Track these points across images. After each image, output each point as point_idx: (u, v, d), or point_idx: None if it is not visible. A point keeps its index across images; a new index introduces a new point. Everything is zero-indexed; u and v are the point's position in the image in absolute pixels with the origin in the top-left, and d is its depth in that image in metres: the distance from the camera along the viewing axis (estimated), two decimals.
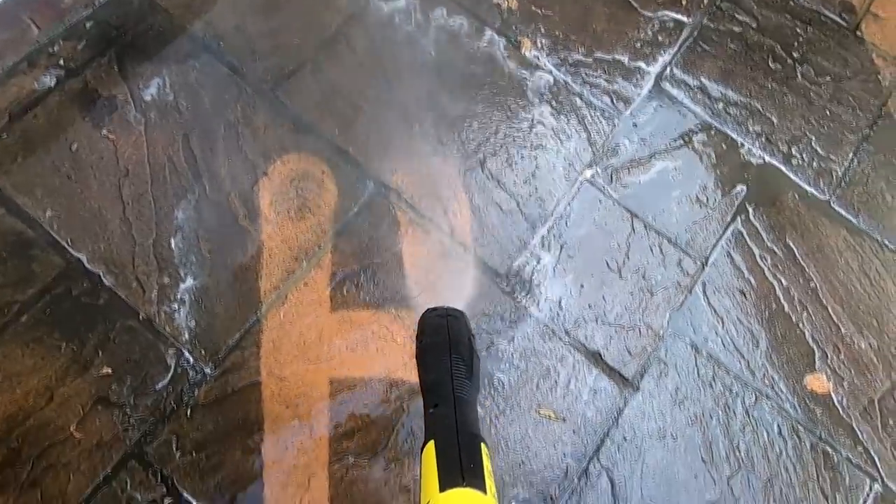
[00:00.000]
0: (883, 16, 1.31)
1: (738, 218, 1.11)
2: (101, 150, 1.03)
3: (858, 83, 1.24)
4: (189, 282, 0.97)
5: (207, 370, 0.93)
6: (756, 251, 1.09)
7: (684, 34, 1.25)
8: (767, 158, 1.16)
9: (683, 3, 1.27)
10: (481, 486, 0.55)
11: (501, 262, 1.03)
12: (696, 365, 1.01)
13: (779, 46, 1.25)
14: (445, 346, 0.73)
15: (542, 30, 1.21)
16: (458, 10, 1.21)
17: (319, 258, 1.01)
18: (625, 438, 0.96)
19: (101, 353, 0.92)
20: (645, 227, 1.08)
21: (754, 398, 1.00)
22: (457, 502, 0.54)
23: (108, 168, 1.02)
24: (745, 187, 1.13)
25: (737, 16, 1.27)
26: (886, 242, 1.12)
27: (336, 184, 1.05)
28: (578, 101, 1.16)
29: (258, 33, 1.14)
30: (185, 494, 0.86)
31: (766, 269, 1.08)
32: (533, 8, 1.23)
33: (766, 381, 1.01)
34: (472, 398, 0.69)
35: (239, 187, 1.03)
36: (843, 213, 1.14)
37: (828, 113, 1.21)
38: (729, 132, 1.17)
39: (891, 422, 1.00)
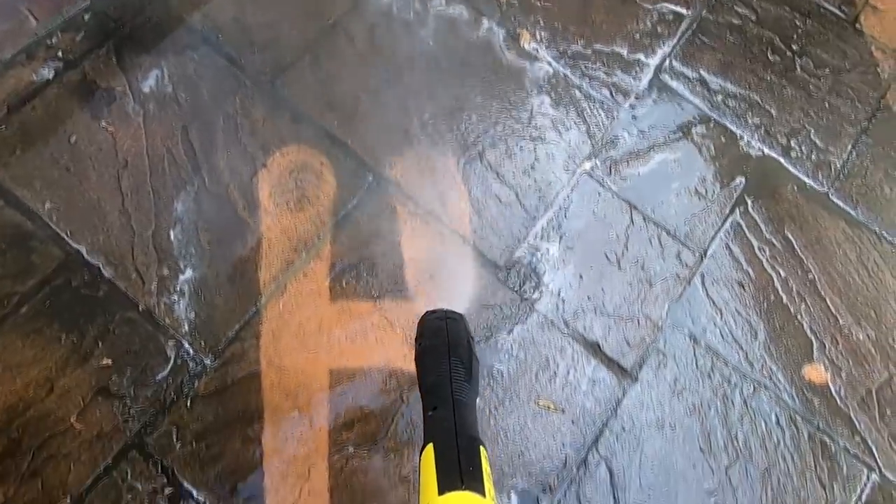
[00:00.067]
0: (882, 8, 1.31)
1: (737, 210, 1.11)
2: (99, 142, 1.03)
3: (857, 75, 1.24)
4: (188, 273, 0.97)
5: (207, 361, 0.93)
6: (755, 243, 1.09)
7: (683, 26, 1.24)
8: (766, 151, 1.16)
9: None
10: (480, 490, 0.55)
11: (500, 254, 1.03)
12: (695, 356, 1.01)
13: (778, 39, 1.25)
14: (444, 348, 0.73)
15: (541, 21, 1.21)
16: (456, 0, 1.20)
17: (319, 249, 1.01)
18: (623, 429, 0.96)
19: (100, 344, 0.92)
20: (644, 218, 1.09)
21: (752, 389, 1.00)
22: None
23: (106, 160, 1.02)
24: (743, 179, 1.13)
25: (736, 8, 1.27)
26: (885, 234, 1.12)
27: (335, 175, 1.05)
28: (577, 93, 1.16)
29: (257, 25, 1.14)
30: (186, 484, 0.86)
31: (764, 260, 1.08)
32: None
33: (765, 372, 1.01)
34: (471, 401, 0.69)
35: (238, 179, 1.03)
36: (841, 205, 1.14)
37: (827, 105, 1.21)
38: (728, 124, 1.17)
39: (888, 412, 1.00)
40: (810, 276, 1.08)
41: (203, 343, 0.93)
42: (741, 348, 1.02)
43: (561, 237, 1.06)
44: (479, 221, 1.05)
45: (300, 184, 1.04)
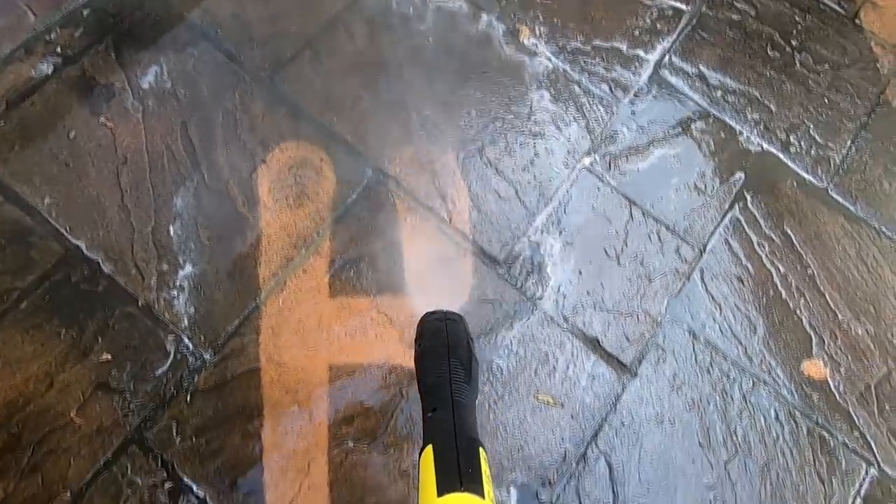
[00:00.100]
0: (881, 4, 1.31)
1: (737, 205, 1.11)
2: (98, 138, 1.03)
3: (857, 71, 1.24)
4: (188, 269, 0.97)
5: (207, 356, 0.93)
6: (754, 238, 1.09)
7: (683, 22, 1.24)
8: (766, 146, 1.16)
9: None
10: (479, 491, 0.55)
11: (500, 249, 1.04)
12: (694, 351, 1.01)
13: (777, 34, 1.25)
14: (444, 349, 0.73)
15: (541, 17, 1.21)
16: None
17: (318, 245, 1.01)
18: (623, 424, 0.96)
19: (100, 339, 0.92)
20: (643, 214, 1.09)
21: (752, 384, 1.00)
22: None
23: (106, 155, 1.02)
24: (743, 175, 1.13)
25: (735, 3, 1.27)
26: (884, 229, 1.12)
27: (334, 171, 1.05)
28: (577, 88, 1.16)
29: (256, 20, 1.14)
30: (186, 479, 0.87)
31: (763, 255, 1.08)
32: None
33: (764, 367, 1.01)
34: (471, 402, 0.69)
35: (237, 175, 1.03)
36: (840, 200, 1.14)
37: (826, 101, 1.21)
38: (727, 120, 1.17)
39: (887, 407, 1.00)
40: (809, 271, 1.08)
41: (203, 338, 0.94)
42: (740, 343, 1.02)
43: (560, 232, 1.06)
44: (479, 217, 1.05)
45: (299, 180, 1.04)
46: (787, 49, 1.24)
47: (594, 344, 1.00)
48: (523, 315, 1.00)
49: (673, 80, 1.19)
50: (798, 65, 1.23)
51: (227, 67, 1.10)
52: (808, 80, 1.22)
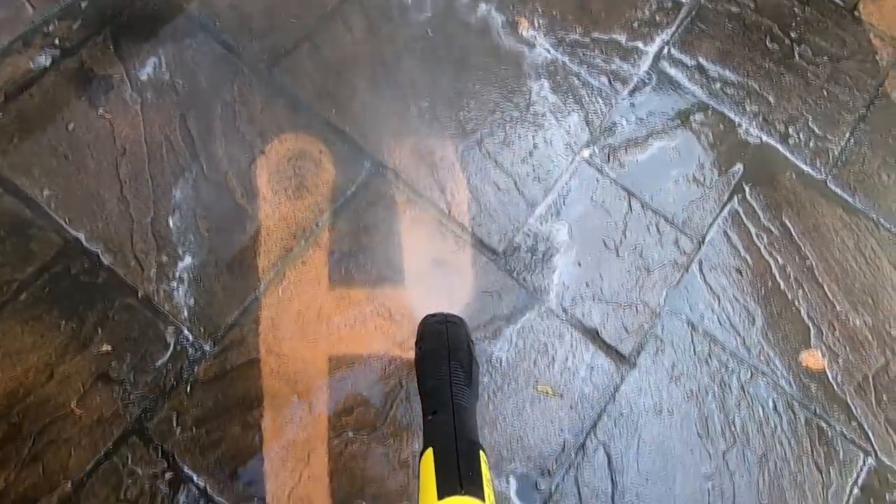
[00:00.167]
0: None
1: (735, 197, 1.11)
2: (97, 130, 1.03)
3: (856, 63, 1.24)
4: (187, 260, 0.97)
5: (207, 347, 0.93)
6: (752, 230, 1.09)
7: (682, 14, 1.24)
8: (764, 138, 1.16)
9: None
10: (479, 495, 0.55)
11: (499, 241, 1.04)
12: (693, 342, 1.02)
13: (776, 27, 1.25)
14: (444, 352, 0.73)
15: (539, 9, 1.21)
16: None
17: (317, 236, 1.01)
18: (621, 414, 0.96)
19: (100, 330, 0.92)
20: (642, 206, 1.09)
21: (750, 374, 1.00)
22: None
23: (104, 147, 1.02)
24: (741, 167, 1.13)
25: None
26: (882, 221, 1.12)
27: (333, 163, 1.05)
28: (576, 80, 1.16)
29: (254, 12, 1.14)
30: (186, 469, 0.87)
31: (762, 247, 1.08)
32: None
33: (762, 358, 1.01)
34: (471, 405, 0.69)
35: (236, 166, 1.03)
36: (839, 192, 1.14)
37: (825, 93, 1.21)
38: (726, 112, 1.17)
39: (885, 397, 1.01)
40: (808, 262, 1.08)
41: (202, 329, 0.94)
42: (739, 334, 1.03)
43: (560, 224, 1.06)
44: (478, 208, 1.05)
45: (298, 171, 1.04)
46: (786, 41, 1.24)
47: (593, 335, 1.00)
48: (522, 306, 1.00)
49: (672, 72, 1.19)
50: (797, 57, 1.23)
51: (226, 59, 1.10)
52: (807, 72, 1.22)
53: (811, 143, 1.17)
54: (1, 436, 0.85)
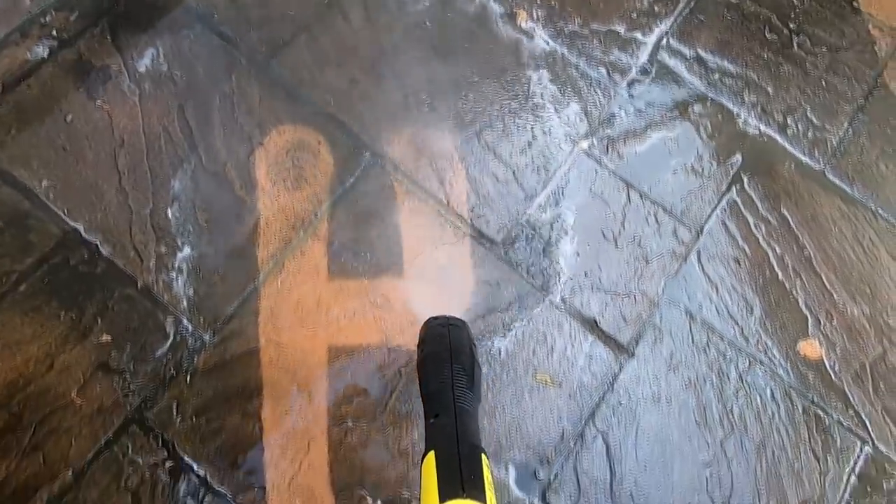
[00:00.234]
0: None
1: (734, 187, 1.12)
2: (95, 121, 1.03)
3: (854, 53, 1.24)
4: (186, 251, 0.97)
5: (206, 337, 0.93)
6: (751, 220, 1.10)
7: (681, 4, 1.24)
8: (763, 128, 1.16)
9: None
10: (481, 498, 0.55)
11: (498, 231, 1.04)
12: (691, 331, 1.02)
13: (775, 17, 1.25)
14: (447, 355, 0.73)
15: (538, 0, 1.21)
16: None
17: (316, 227, 1.01)
18: (620, 403, 0.97)
19: (100, 321, 0.92)
20: (641, 196, 1.09)
21: (748, 363, 1.01)
22: None
23: (103, 138, 1.02)
24: (740, 157, 1.14)
25: None
26: (880, 211, 1.13)
27: (332, 154, 1.05)
28: (574, 72, 1.16)
29: (252, 3, 1.13)
30: (186, 458, 0.87)
31: (760, 237, 1.09)
32: None
33: (760, 347, 1.02)
34: (473, 408, 0.70)
35: (235, 157, 1.03)
36: (837, 182, 1.14)
37: (823, 83, 1.21)
38: (725, 102, 1.17)
39: (882, 386, 1.01)
40: (806, 252, 1.09)
41: (202, 320, 0.94)
42: (737, 324, 1.03)
43: (558, 215, 1.06)
44: (477, 199, 1.05)
45: (297, 162, 1.04)
46: (785, 31, 1.24)
47: (592, 325, 1.00)
48: (521, 296, 1.01)
49: (671, 62, 1.19)
50: (796, 47, 1.23)
51: (224, 50, 1.10)
52: (806, 62, 1.22)
53: (809, 134, 1.17)
54: (2, 425, 0.85)
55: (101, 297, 0.93)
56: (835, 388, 1.01)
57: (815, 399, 1.00)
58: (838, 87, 1.21)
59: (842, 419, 0.99)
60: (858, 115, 1.19)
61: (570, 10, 1.21)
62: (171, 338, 0.92)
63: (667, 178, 1.11)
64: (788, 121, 1.17)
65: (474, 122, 1.10)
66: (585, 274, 1.03)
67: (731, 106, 1.17)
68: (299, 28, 1.13)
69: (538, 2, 1.20)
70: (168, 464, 0.86)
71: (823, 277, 1.07)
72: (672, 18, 1.23)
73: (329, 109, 1.08)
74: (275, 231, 1.00)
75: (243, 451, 0.88)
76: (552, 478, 0.92)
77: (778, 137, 1.16)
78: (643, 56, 1.19)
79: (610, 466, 0.93)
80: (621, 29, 1.20)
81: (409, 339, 0.96)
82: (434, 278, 1.00)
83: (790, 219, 1.10)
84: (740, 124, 1.16)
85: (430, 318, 0.82)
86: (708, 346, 1.01)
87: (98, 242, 0.96)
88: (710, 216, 1.09)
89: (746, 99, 1.18)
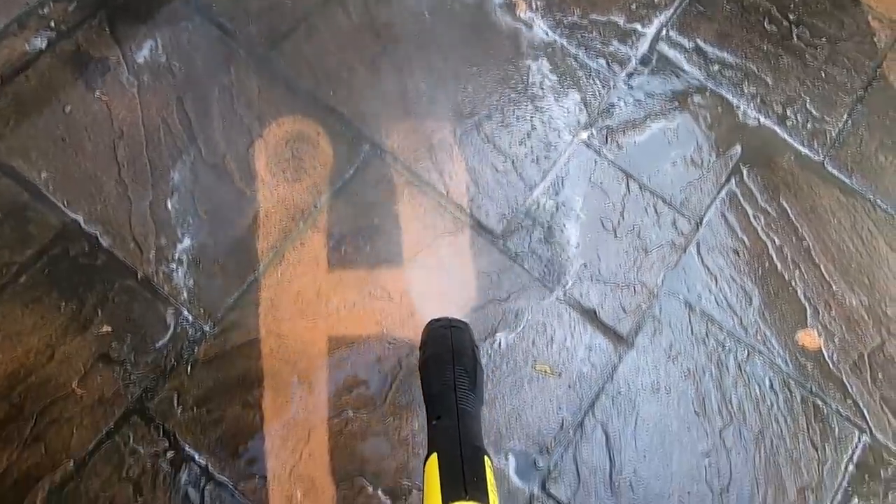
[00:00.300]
0: None
1: (733, 178, 1.12)
2: (94, 113, 1.03)
3: (854, 45, 1.24)
4: (186, 242, 0.97)
5: (206, 328, 0.93)
6: (750, 211, 1.10)
7: None
8: (762, 120, 1.16)
9: None
10: (484, 500, 0.55)
11: (497, 222, 1.04)
12: (690, 322, 1.02)
13: (775, 8, 1.25)
14: (449, 357, 0.73)
15: None
16: None
17: (316, 219, 1.01)
18: (619, 393, 0.97)
19: (100, 312, 0.92)
20: (640, 187, 1.09)
21: (747, 354, 1.01)
22: None
23: (102, 130, 1.02)
24: (739, 148, 1.14)
25: None
26: (879, 202, 1.13)
27: (332, 145, 1.05)
28: (573, 62, 1.16)
29: None
30: (187, 448, 0.87)
31: (759, 228, 1.09)
32: None
33: (759, 338, 1.02)
34: (476, 410, 0.69)
35: (234, 149, 1.03)
36: (836, 173, 1.14)
37: (823, 74, 1.21)
38: (724, 94, 1.17)
39: (880, 376, 1.02)
40: (805, 243, 1.09)
41: (202, 310, 0.94)
42: (736, 314, 1.03)
43: (558, 206, 1.06)
44: (476, 190, 1.05)
45: (297, 154, 1.04)
46: (785, 23, 1.24)
47: (591, 315, 1.01)
48: (521, 287, 1.01)
49: (670, 54, 1.19)
50: (795, 38, 1.23)
51: (223, 42, 1.09)
52: (805, 53, 1.22)
53: (809, 125, 1.17)
54: (3, 416, 0.86)
55: (101, 289, 0.93)
56: (833, 378, 1.01)
57: (814, 389, 1.00)
58: (837, 78, 1.21)
59: (840, 409, 0.99)
60: (858, 106, 1.19)
61: (568, 0, 1.20)
62: (172, 329, 0.93)
63: (666, 169, 1.11)
64: (788, 112, 1.17)
65: (473, 112, 1.10)
66: (585, 265, 1.03)
67: (730, 97, 1.17)
68: (298, 19, 1.13)
69: None
70: (169, 454, 0.87)
71: (822, 268, 1.08)
72: (672, 10, 1.22)
73: (328, 101, 1.08)
74: (274, 222, 1.00)
75: (244, 440, 0.88)
76: (552, 467, 0.92)
77: (777, 129, 1.16)
78: (643, 47, 1.19)
79: (609, 456, 0.94)
80: (621, 20, 1.20)
81: (408, 330, 0.97)
82: (434, 269, 1.01)
83: (789, 210, 1.11)
84: (740, 115, 1.16)
85: (431, 320, 0.82)
86: (707, 336, 1.02)
87: (98, 234, 0.96)
88: (709, 207, 1.09)
89: (746, 90, 1.18)
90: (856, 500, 0.95)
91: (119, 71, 1.05)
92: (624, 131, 1.12)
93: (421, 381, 0.76)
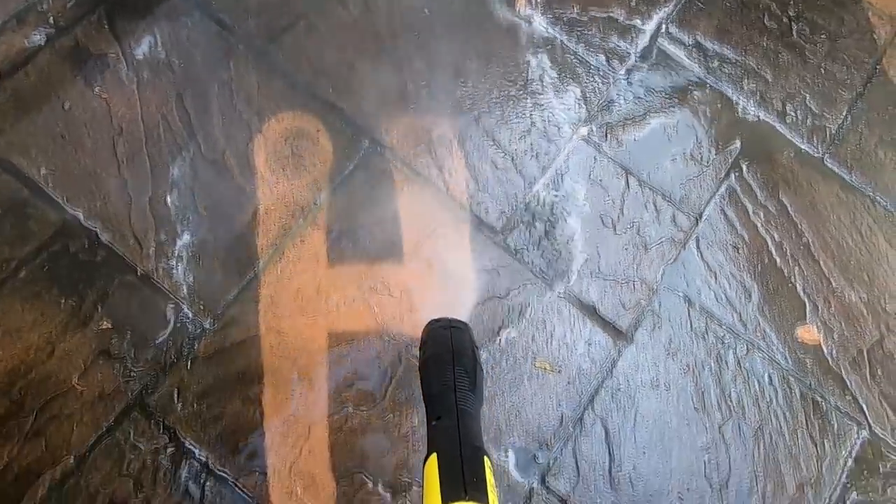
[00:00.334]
0: None
1: (732, 174, 1.12)
2: (94, 109, 1.03)
3: (853, 41, 1.24)
4: (186, 238, 0.97)
5: (206, 324, 0.93)
6: (749, 207, 1.10)
7: None
8: (762, 116, 1.16)
9: None
10: (483, 500, 0.55)
11: (497, 218, 1.04)
12: (689, 317, 1.02)
13: (774, 4, 1.25)
14: (449, 357, 0.73)
15: None
16: None
17: (315, 215, 1.01)
18: (619, 388, 0.97)
19: (100, 308, 0.92)
20: (640, 183, 1.09)
21: (746, 349, 1.01)
22: None
23: (101, 126, 1.02)
24: (739, 144, 1.14)
25: None
26: (878, 198, 1.13)
27: (331, 141, 1.05)
28: (573, 58, 1.16)
29: None
30: (188, 443, 0.88)
31: (759, 224, 1.09)
32: None
33: (758, 333, 1.02)
34: (476, 411, 0.70)
35: (234, 145, 1.03)
36: (835, 169, 1.14)
37: (822, 71, 1.21)
38: (724, 90, 1.17)
39: (879, 371, 1.02)
40: (804, 239, 1.09)
41: (202, 307, 0.94)
42: (735, 310, 1.03)
43: (557, 202, 1.06)
44: (476, 186, 1.05)
45: (296, 150, 1.04)
46: (784, 19, 1.24)
47: (591, 311, 1.01)
48: (521, 283, 1.01)
49: (670, 49, 1.19)
50: (795, 35, 1.22)
51: (222, 37, 1.09)
52: (805, 50, 1.22)
53: (808, 121, 1.17)
54: (3, 411, 0.86)
55: (101, 285, 0.93)
56: (832, 374, 1.01)
57: (813, 384, 1.00)
58: (837, 74, 1.21)
59: (839, 404, 1.00)
60: (857, 102, 1.19)
61: None
62: (172, 325, 0.93)
63: (666, 165, 1.11)
64: (787, 108, 1.17)
65: (473, 108, 1.10)
66: (584, 261, 1.04)
67: (730, 93, 1.17)
68: (298, 15, 1.12)
69: None
70: (169, 449, 0.87)
71: (822, 264, 1.08)
72: (671, 5, 1.22)
73: (328, 96, 1.08)
74: (274, 219, 1.00)
75: (244, 436, 0.89)
76: (552, 462, 0.92)
77: (777, 125, 1.16)
78: (642, 43, 1.19)
79: (609, 451, 0.94)
80: (620, 16, 1.20)
81: (408, 326, 0.97)
82: (433, 265, 1.01)
83: (789, 206, 1.11)
84: (739, 111, 1.16)
85: (431, 321, 0.82)
86: (706, 332, 1.02)
87: (97, 230, 0.96)
88: (708, 203, 1.09)
89: (746, 86, 1.18)
90: (854, 494, 0.95)
91: (118, 67, 1.05)
92: (623, 127, 1.12)
93: (421, 382, 0.76)
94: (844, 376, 1.01)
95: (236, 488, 0.86)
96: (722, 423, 0.97)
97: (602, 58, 1.16)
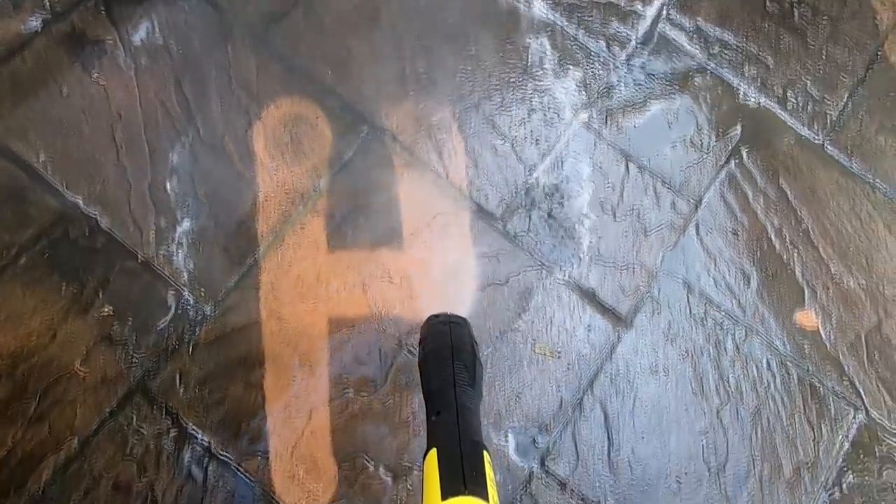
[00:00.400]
0: None
1: (732, 160, 1.12)
2: (91, 95, 1.02)
3: (855, 26, 1.23)
4: (186, 224, 0.97)
5: (207, 310, 0.94)
6: (749, 192, 1.10)
7: None
8: (763, 102, 1.16)
9: None
10: (483, 495, 0.56)
11: (497, 204, 1.04)
12: (689, 303, 1.03)
13: None
14: (448, 353, 0.74)
15: None
16: None
17: (315, 201, 1.01)
18: (618, 373, 0.98)
19: (101, 293, 0.93)
20: (639, 169, 1.09)
21: (745, 334, 1.02)
22: None
23: (99, 112, 1.01)
24: (739, 130, 1.13)
25: None
26: (878, 184, 1.13)
27: (330, 127, 1.05)
28: (573, 44, 1.15)
29: None
30: (190, 427, 0.88)
31: (758, 210, 1.09)
32: None
33: (757, 318, 1.03)
34: (475, 405, 0.70)
35: (233, 131, 1.03)
36: (836, 155, 1.14)
37: (824, 56, 1.20)
38: (725, 75, 1.16)
39: (876, 356, 1.03)
40: (803, 225, 1.09)
41: (203, 292, 0.94)
42: (734, 295, 1.04)
43: (557, 187, 1.06)
44: (476, 172, 1.05)
45: (295, 136, 1.04)
46: (786, 4, 1.23)
47: (591, 296, 1.01)
48: (521, 268, 1.01)
49: (670, 34, 1.18)
50: (796, 18, 1.22)
51: (220, 23, 1.08)
52: (807, 34, 1.21)
53: (809, 107, 1.16)
54: (7, 395, 0.86)
55: (101, 271, 0.94)
56: (830, 358, 1.02)
57: (811, 369, 1.01)
58: (838, 59, 1.20)
59: (836, 388, 1.00)
60: (858, 88, 1.19)
61: None
62: (173, 310, 0.93)
63: (665, 151, 1.11)
64: (788, 94, 1.17)
65: (473, 93, 1.10)
66: (584, 246, 1.04)
67: (731, 79, 1.16)
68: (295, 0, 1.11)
69: None
70: (172, 433, 0.88)
71: (821, 250, 1.08)
72: None
73: (327, 82, 1.07)
74: (274, 205, 1.00)
75: (246, 420, 0.89)
76: (551, 445, 0.93)
77: (777, 111, 1.15)
78: (643, 28, 1.18)
79: (608, 435, 0.95)
80: (621, 1, 1.19)
81: (408, 312, 0.97)
82: (433, 251, 1.01)
83: (788, 192, 1.11)
84: (740, 97, 1.15)
85: (430, 316, 0.82)
86: (705, 317, 1.02)
87: (97, 216, 0.96)
88: (708, 189, 1.09)
89: (746, 72, 1.17)
90: (851, 477, 0.96)
91: (116, 53, 1.05)
92: (624, 113, 1.12)
93: (420, 377, 0.76)
94: (842, 361, 1.02)
95: (238, 472, 0.87)
96: (720, 407, 0.98)
97: (602, 43, 1.16)
